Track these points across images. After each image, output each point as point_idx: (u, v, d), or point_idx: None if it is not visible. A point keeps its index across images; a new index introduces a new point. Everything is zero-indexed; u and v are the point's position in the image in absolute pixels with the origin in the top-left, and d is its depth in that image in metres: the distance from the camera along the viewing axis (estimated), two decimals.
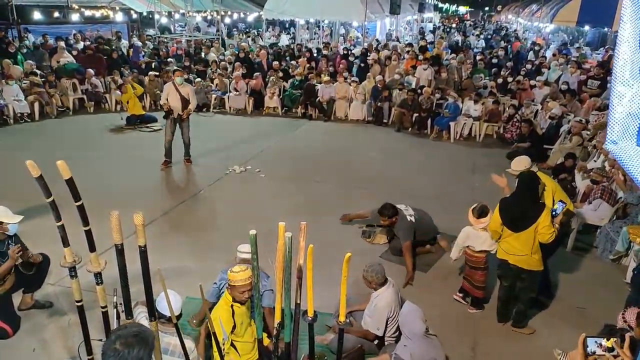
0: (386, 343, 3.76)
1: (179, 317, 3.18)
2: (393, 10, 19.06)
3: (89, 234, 2.69)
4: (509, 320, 4.30)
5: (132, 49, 14.26)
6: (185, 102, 7.44)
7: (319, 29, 22.18)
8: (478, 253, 4.35)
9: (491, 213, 4.23)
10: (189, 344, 3.00)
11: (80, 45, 13.78)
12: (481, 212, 4.35)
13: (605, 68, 11.37)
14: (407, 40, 20.27)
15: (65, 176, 2.50)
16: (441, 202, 6.64)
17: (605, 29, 17.77)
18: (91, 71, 11.27)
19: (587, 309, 4.57)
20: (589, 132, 7.96)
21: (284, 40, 20.44)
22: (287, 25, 25.35)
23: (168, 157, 7.77)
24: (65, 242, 2.75)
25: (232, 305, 3.18)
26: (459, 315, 4.44)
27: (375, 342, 3.79)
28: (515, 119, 9.55)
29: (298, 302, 2.75)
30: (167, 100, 7.44)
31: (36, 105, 10.26)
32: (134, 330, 1.90)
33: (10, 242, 3.92)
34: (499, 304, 4.32)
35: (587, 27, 18.88)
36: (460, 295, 4.63)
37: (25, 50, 12.41)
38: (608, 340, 2.02)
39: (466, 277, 4.51)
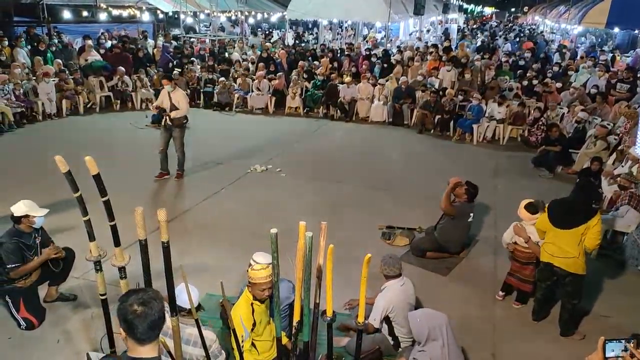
0: (402, 345, 3.74)
1: (197, 309, 3.23)
2: (417, 10, 18.92)
3: (114, 228, 2.75)
4: (543, 319, 4.34)
5: (156, 49, 14.46)
6: (174, 109, 7.06)
7: (342, 30, 22.16)
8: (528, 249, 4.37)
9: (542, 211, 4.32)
10: (210, 334, 3.04)
11: (108, 44, 14.09)
12: (536, 209, 4.38)
13: (634, 72, 11.08)
14: (427, 42, 20.08)
15: (92, 172, 2.56)
16: None
17: (636, 31, 17.31)
18: (122, 69, 11.47)
19: (611, 317, 4.46)
20: (615, 137, 7.75)
21: (288, 38, 20.50)
22: (310, 26, 25.40)
23: (164, 169, 7.38)
24: (91, 237, 2.81)
25: (252, 304, 3.20)
26: (478, 319, 4.38)
27: (392, 342, 3.76)
28: (540, 122, 9.37)
29: (317, 301, 2.76)
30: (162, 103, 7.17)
31: (64, 102, 10.54)
32: (147, 291, 1.93)
33: (37, 235, 4.03)
34: (536, 305, 4.36)
35: (616, 29, 18.41)
36: (503, 294, 4.67)
37: (54, 49, 12.74)
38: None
39: (513, 274, 4.53)
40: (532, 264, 4.41)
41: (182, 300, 3.00)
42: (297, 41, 19.48)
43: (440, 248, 5.32)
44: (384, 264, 3.72)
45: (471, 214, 5.30)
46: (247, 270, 3.26)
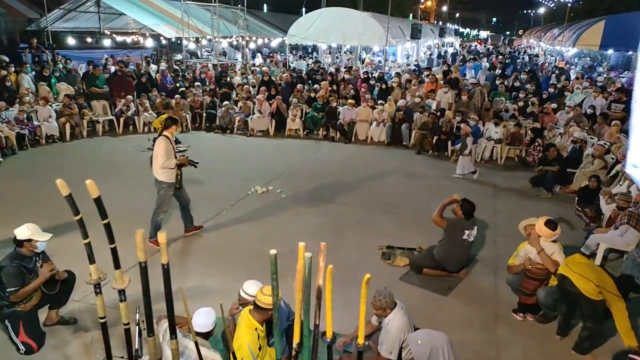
0: None
1: (209, 334, 3.25)
2: (414, 35, 19.33)
3: (114, 251, 2.77)
4: (566, 336, 4.34)
5: (159, 74, 14.69)
6: None
7: (341, 54, 22.54)
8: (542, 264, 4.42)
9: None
10: (216, 357, 3.04)
11: (112, 69, 14.36)
12: (556, 226, 4.45)
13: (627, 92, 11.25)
14: (413, 64, 20.48)
15: (93, 195, 2.59)
16: None
17: (630, 53, 17.60)
18: (130, 97, 11.71)
19: (614, 337, 4.41)
20: (613, 157, 7.82)
21: (258, 59, 20.95)
22: (309, 50, 25.81)
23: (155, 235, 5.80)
24: (92, 260, 2.83)
25: (256, 329, 3.18)
26: (481, 340, 4.35)
27: None
28: (537, 143, 9.46)
29: (317, 323, 2.75)
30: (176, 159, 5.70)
31: (67, 126, 10.67)
32: None
33: (38, 258, 4.02)
34: (560, 319, 4.37)
35: (610, 51, 18.75)
36: (522, 314, 4.65)
37: (58, 74, 12.95)
38: None
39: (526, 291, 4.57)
40: (539, 280, 4.46)
41: (198, 323, 3.08)
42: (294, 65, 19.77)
43: (438, 265, 5.31)
44: (384, 297, 3.56)
45: (467, 231, 5.19)
46: (256, 296, 3.22)
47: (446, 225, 5.21)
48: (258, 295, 3.17)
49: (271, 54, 23.91)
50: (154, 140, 5.76)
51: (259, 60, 21.21)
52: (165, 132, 5.65)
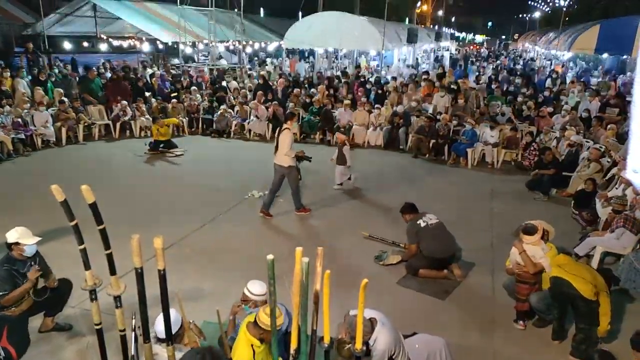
0: None
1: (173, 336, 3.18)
2: (410, 39, 19.43)
3: (110, 257, 2.76)
4: (563, 339, 4.33)
5: (155, 78, 14.68)
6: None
7: (337, 58, 22.59)
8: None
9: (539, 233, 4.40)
10: None
11: (108, 74, 14.34)
12: (525, 231, 4.43)
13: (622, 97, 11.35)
14: (423, 68, 20.62)
15: (89, 200, 2.58)
16: (459, 228, 6.54)
17: (624, 57, 17.73)
18: (125, 102, 11.70)
19: (609, 342, 4.41)
20: (609, 160, 7.84)
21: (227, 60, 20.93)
22: (306, 54, 25.86)
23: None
24: (87, 266, 2.81)
25: (252, 345, 3.14)
26: (478, 344, 4.34)
27: None
28: (532, 147, 9.49)
29: (314, 328, 2.74)
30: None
31: (63, 131, 10.63)
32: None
33: (32, 263, 3.97)
34: (555, 324, 4.36)
35: (605, 55, 18.88)
36: (522, 323, 4.59)
37: (54, 79, 12.92)
38: None
39: (520, 297, 4.56)
40: (529, 284, 4.45)
41: (160, 331, 2.99)
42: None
43: (430, 261, 5.35)
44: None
45: (420, 221, 5.41)
46: (258, 314, 3.12)
47: (409, 236, 5.50)
48: (260, 314, 3.06)
49: (267, 59, 23.94)
50: (278, 133, 6.87)
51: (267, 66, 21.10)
52: (287, 125, 6.81)
